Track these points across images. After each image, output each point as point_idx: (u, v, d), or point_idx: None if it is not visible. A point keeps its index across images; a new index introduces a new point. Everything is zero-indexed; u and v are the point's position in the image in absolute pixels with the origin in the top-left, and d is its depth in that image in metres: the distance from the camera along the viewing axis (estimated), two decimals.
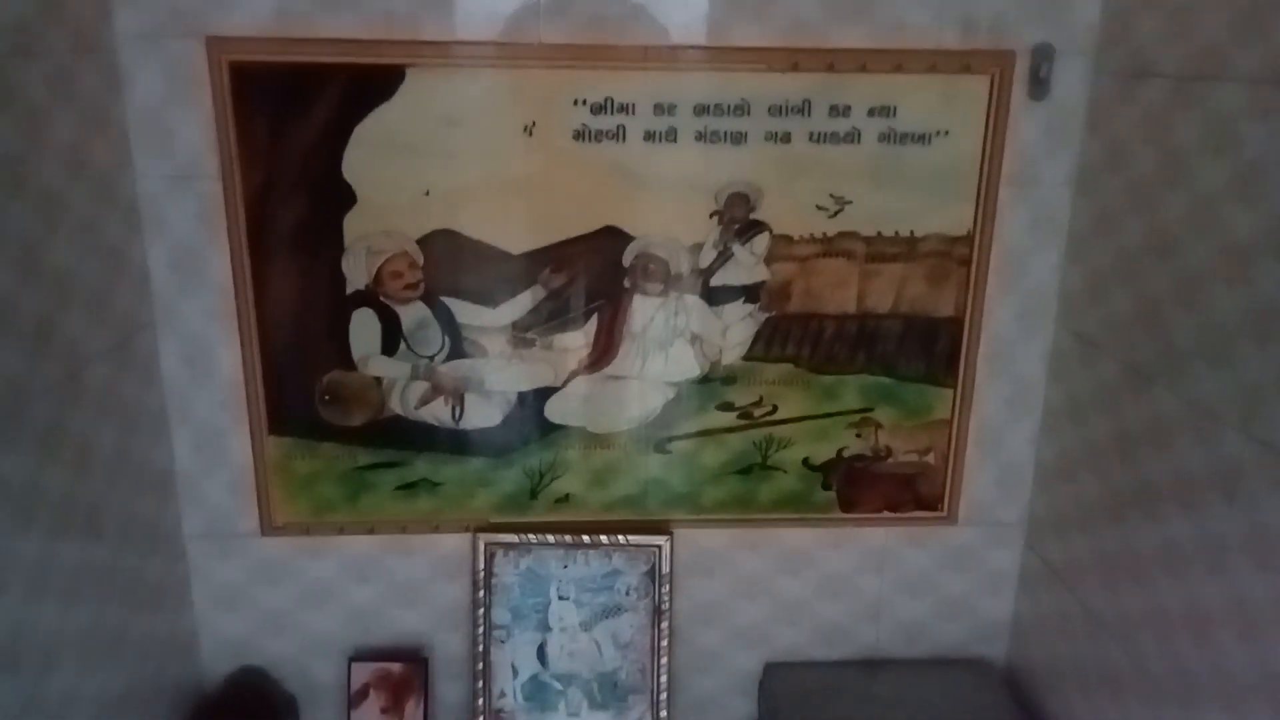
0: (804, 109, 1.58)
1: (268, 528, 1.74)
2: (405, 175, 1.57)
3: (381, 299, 1.63)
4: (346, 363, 1.66)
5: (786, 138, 1.59)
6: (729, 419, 1.75)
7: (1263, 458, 1.21)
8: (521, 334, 1.67)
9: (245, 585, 1.78)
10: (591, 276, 1.65)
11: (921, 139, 1.61)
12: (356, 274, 1.61)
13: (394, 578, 1.80)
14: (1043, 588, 1.79)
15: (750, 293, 1.68)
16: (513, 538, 1.77)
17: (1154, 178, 1.43)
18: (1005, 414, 1.78)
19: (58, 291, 1.33)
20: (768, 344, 1.71)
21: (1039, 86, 1.58)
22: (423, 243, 1.61)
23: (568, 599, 1.79)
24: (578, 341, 1.69)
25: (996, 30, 1.55)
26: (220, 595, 1.78)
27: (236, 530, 1.74)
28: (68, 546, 1.34)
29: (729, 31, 1.53)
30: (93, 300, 1.42)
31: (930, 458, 1.80)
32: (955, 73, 1.57)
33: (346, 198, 1.57)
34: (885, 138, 1.60)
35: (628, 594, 1.80)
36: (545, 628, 1.80)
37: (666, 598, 1.79)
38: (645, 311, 1.68)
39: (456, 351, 1.67)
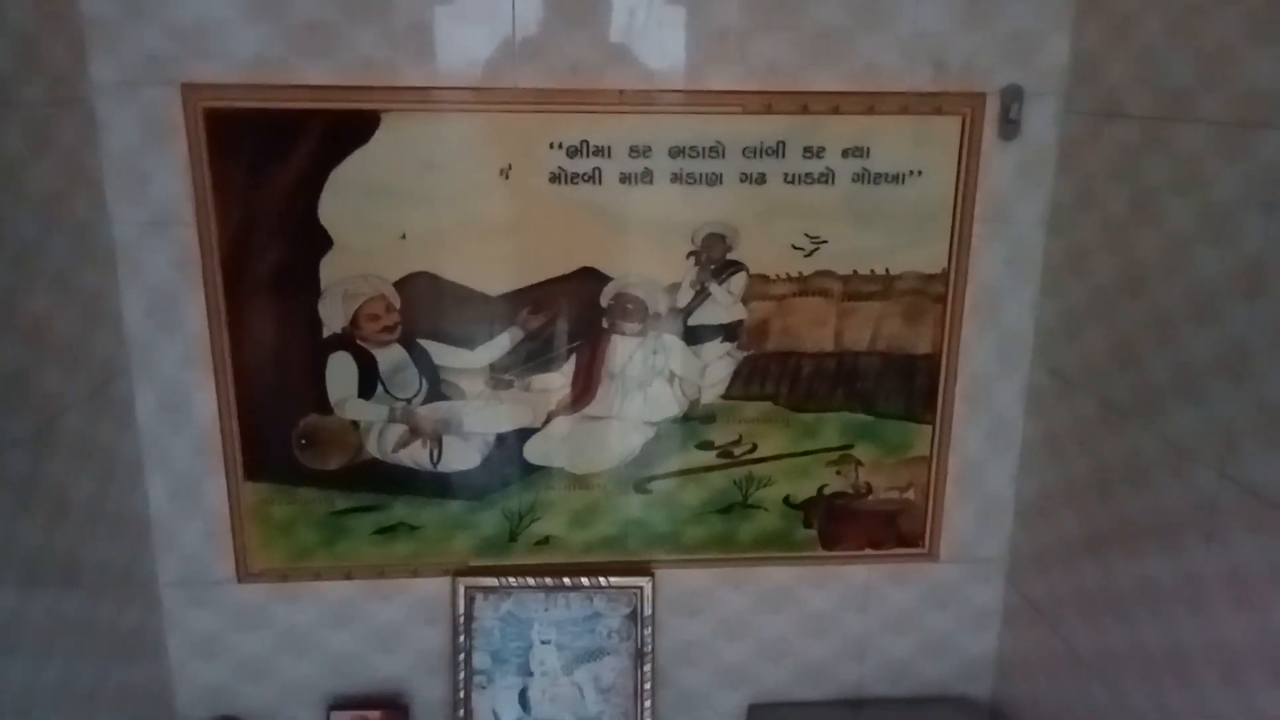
0: (778, 150, 1.59)
1: (244, 574, 1.72)
2: (382, 219, 1.57)
3: (358, 342, 1.62)
4: (323, 406, 1.65)
5: (761, 179, 1.60)
6: (709, 458, 1.75)
7: (1238, 497, 1.21)
8: (500, 375, 1.67)
9: (222, 633, 1.75)
10: (570, 317, 1.65)
11: (895, 179, 1.62)
12: (333, 317, 1.61)
13: (373, 623, 1.78)
14: (1025, 625, 1.79)
15: (728, 332, 1.68)
16: (493, 581, 1.75)
17: (1125, 217, 1.44)
18: (985, 450, 1.78)
19: (33, 341, 1.32)
20: (746, 382, 1.71)
21: (1009, 127, 1.60)
22: (400, 285, 1.60)
23: (549, 642, 1.78)
24: (557, 382, 1.69)
25: (967, 72, 1.57)
26: (196, 643, 1.75)
27: (212, 577, 1.72)
28: (41, 598, 1.32)
29: (703, 75, 1.55)
30: (68, 349, 1.41)
31: (911, 494, 1.80)
32: (927, 114, 1.59)
33: (323, 242, 1.57)
34: (859, 178, 1.61)
35: (609, 636, 1.78)
36: (527, 672, 1.78)
37: (649, 640, 1.78)
38: (624, 351, 1.68)
39: (434, 394, 1.66)
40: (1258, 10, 1.18)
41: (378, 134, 1.53)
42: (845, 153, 1.60)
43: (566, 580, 1.76)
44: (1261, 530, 1.18)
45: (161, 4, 1.44)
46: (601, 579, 1.76)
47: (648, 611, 1.77)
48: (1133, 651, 1.45)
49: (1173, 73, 1.33)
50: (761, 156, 1.59)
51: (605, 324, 1.66)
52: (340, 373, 1.64)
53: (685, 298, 1.66)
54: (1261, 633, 1.18)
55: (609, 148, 1.57)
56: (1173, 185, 1.33)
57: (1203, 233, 1.27)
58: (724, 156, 1.59)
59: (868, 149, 1.60)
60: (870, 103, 1.58)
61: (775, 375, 1.72)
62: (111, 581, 1.54)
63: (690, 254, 1.64)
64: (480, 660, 1.77)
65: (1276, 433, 1.15)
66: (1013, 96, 1.58)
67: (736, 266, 1.65)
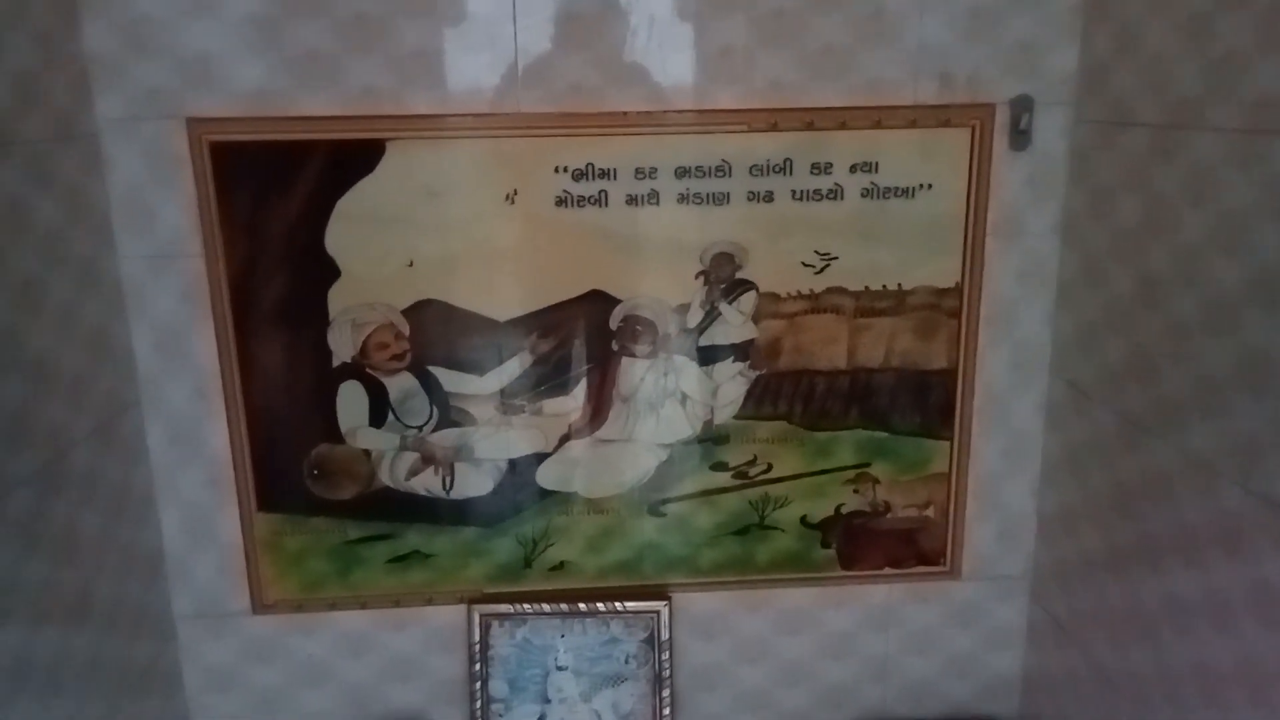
0: (785, 168, 1.58)
1: (259, 606, 1.71)
2: (388, 247, 1.57)
3: (368, 371, 1.62)
4: (334, 436, 1.64)
5: (769, 197, 1.59)
6: (724, 479, 1.73)
7: (1262, 512, 1.18)
8: (510, 401, 1.66)
9: (237, 665, 1.75)
10: (579, 341, 1.64)
11: (905, 193, 1.60)
12: (342, 347, 1.60)
13: (388, 652, 1.77)
14: (1050, 643, 1.75)
15: (739, 351, 1.67)
16: (508, 608, 1.74)
17: (1138, 227, 1.42)
18: (1003, 465, 1.75)
19: (39, 377, 1.32)
20: (759, 402, 1.69)
21: (1020, 137, 1.58)
22: (408, 313, 1.60)
23: (566, 669, 1.76)
24: (568, 406, 1.67)
25: (974, 84, 1.55)
26: (212, 677, 1.75)
27: (227, 609, 1.71)
28: (51, 635, 1.32)
29: (708, 94, 1.54)
30: (75, 384, 1.41)
31: (930, 511, 1.77)
32: (935, 127, 1.57)
33: (330, 271, 1.57)
34: (868, 193, 1.60)
35: (627, 662, 1.76)
36: (544, 699, 1.77)
37: (667, 665, 1.76)
38: (634, 374, 1.67)
39: (445, 421, 1.65)
40: (1266, 17, 1.16)
41: (383, 162, 1.53)
42: (853, 168, 1.58)
43: (582, 606, 1.74)
44: None
45: (164, 38, 1.45)
46: (618, 604, 1.75)
47: (665, 636, 1.75)
48: (1159, 671, 1.41)
49: (1182, 81, 1.31)
50: (769, 174, 1.58)
51: (615, 346, 1.65)
52: (351, 402, 1.63)
53: (695, 318, 1.65)
54: None
55: (614, 170, 1.56)
56: (1186, 194, 1.31)
57: (1217, 242, 1.25)
58: (731, 175, 1.57)
59: (876, 164, 1.59)
60: (877, 117, 1.56)
61: (789, 394, 1.70)
62: (125, 616, 1.54)
63: (699, 274, 1.62)
64: (497, 688, 1.76)
65: None
66: (1022, 107, 1.56)
67: (746, 285, 1.63)
